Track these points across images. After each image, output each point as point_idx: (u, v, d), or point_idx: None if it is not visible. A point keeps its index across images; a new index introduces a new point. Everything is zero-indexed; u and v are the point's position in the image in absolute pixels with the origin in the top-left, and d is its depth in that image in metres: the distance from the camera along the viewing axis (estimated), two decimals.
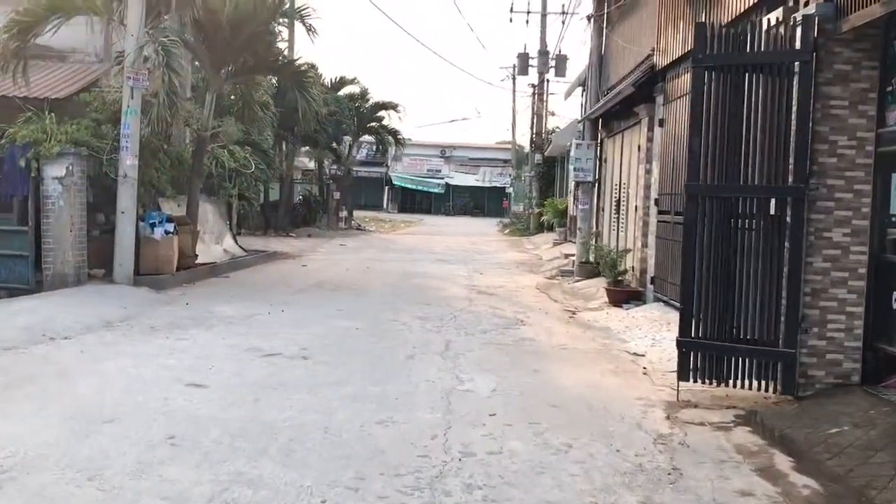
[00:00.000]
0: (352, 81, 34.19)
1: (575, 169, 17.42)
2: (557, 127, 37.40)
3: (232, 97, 19.64)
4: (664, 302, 11.47)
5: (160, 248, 13.14)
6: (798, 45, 6.57)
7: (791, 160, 6.60)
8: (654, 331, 10.17)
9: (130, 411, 6.02)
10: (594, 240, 16.88)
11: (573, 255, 21.02)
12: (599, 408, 6.64)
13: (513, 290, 15.04)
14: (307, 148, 33.77)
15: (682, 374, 7.02)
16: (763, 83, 6.72)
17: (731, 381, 6.90)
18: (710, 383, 6.99)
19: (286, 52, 20.45)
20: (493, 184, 64.15)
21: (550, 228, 32.88)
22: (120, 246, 12.40)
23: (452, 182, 64.44)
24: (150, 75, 12.11)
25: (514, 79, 53.51)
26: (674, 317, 10.62)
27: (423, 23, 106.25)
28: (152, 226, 13.12)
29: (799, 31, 6.57)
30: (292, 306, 11.64)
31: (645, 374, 8.07)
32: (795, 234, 6.60)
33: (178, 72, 11.89)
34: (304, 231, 30.84)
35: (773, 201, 6.79)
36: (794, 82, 6.58)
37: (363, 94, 34.86)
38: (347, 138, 35.37)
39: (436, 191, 64.47)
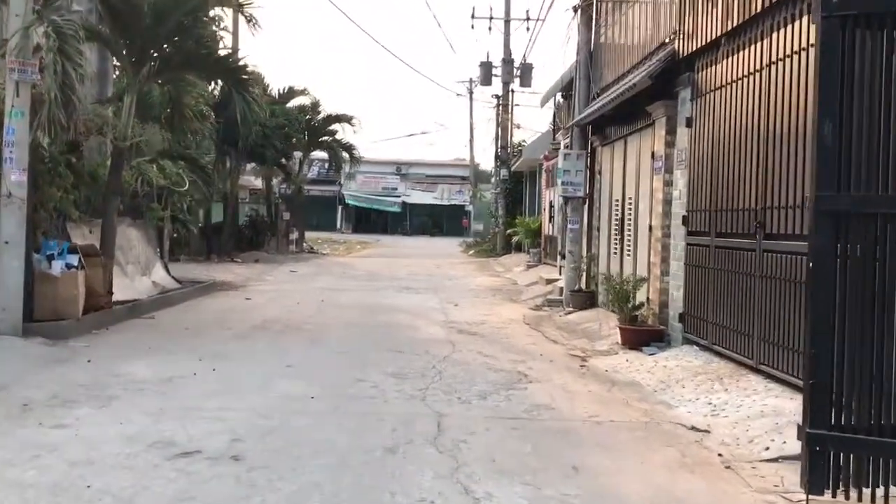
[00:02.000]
0: (302, 92, 31.63)
1: (563, 183, 15.10)
2: (524, 141, 35.24)
3: (166, 108, 16.98)
4: (702, 346, 9.10)
5: (60, 286, 10.39)
6: None
7: None
8: (705, 389, 7.77)
9: None
10: (589, 265, 14.53)
11: (555, 279, 18.70)
12: None
13: (499, 327, 12.58)
14: (254, 165, 31.07)
15: (815, 483, 4.60)
16: None
17: (885, 494, 4.51)
18: (848, 495, 4.58)
19: (230, 55, 17.67)
20: (453, 202, 61.91)
21: (519, 249, 30.62)
22: (4, 286, 9.64)
23: (409, 200, 62.02)
24: (42, 65, 9.42)
25: (471, 93, 51.61)
26: (723, 368, 8.27)
27: (379, 30, 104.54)
28: (49, 258, 10.38)
29: None
30: (227, 361, 9.00)
31: (728, 467, 5.64)
32: None
33: (76, 59, 9.20)
34: (251, 256, 28.12)
35: None
36: None
37: (314, 106, 32.30)
38: (298, 154, 32.72)
39: (392, 209, 61.99)
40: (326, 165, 35.28)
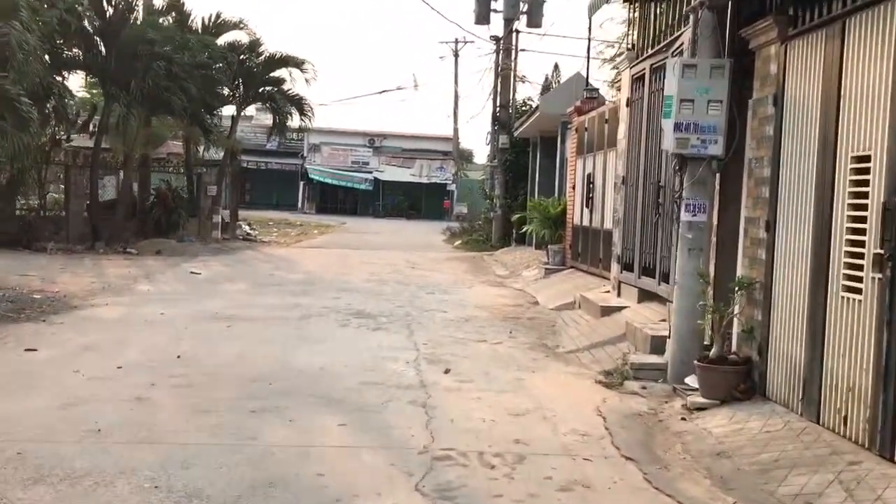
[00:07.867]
0: (236, 25, 23.58)
1: (676, 126, 7.25)
2: (529, 98, 27.31)
3: None
4: None
5: None
6: None
7: None
8: None
9: None
10: (742, 305, 6.70)
11: (615, 306, 10.88)
12: None
13: (582, 495, 4.75)
14: (169, 119, 22.82)
15: None
16: None
17: None
18: None
19: None
20: (433, 179, 53.82)
21: (522, 241, 22.80)
22: None
23: (382, 177, 53.82)
24: None
25: (456, 55, 43.56)
26: None
27: None
28: None
29: None
30: None
31: None
32: None
33: None
34: (155, 244, 20.18)
35: None
36: None
37: (253, 46, 24.18)
38: (230, 108, 24.62)
39: (362, 187, 53.77)
40: (272, 124, 26.91)
